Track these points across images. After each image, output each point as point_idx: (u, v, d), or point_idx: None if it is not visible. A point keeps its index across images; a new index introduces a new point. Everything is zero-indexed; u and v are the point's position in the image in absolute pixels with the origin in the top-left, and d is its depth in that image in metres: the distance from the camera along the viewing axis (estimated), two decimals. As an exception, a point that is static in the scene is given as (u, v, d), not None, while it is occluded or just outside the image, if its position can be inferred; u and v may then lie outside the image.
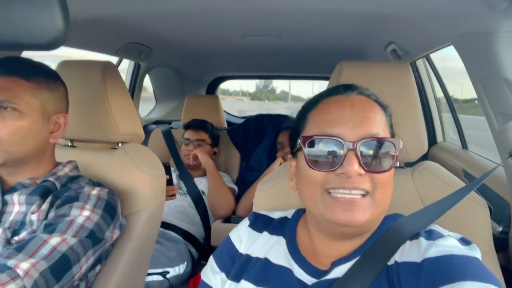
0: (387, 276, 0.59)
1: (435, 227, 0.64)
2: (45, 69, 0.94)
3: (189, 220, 1.88)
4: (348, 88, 0.67)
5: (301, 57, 2.29)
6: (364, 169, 0.58)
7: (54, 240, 0.80)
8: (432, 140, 2.09)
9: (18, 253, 0.76)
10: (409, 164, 0.95)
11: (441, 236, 0.59)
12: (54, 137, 0.94)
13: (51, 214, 0.87)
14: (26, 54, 1.18)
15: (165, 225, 1.76)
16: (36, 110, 0.88)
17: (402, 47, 1.53)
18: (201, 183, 2.03)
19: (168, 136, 2.38)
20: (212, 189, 1.95)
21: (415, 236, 0.61)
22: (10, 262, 0.74)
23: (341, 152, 0.59)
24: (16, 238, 0.85)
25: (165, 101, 3.15)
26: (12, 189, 0.91)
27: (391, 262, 0.60)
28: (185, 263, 1.67)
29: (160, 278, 1.53)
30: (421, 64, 2.03)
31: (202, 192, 2.00)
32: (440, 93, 2.06)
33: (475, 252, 0.56)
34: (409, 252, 0.59)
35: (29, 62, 0.92)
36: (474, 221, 0.83)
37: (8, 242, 0.85)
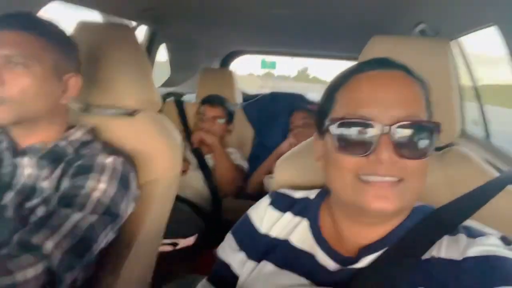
0: (422, 270, 0.55)
1: (472, 223, 0.59)
2: (57, 28, 0.90)
3: (199, 193, 1.87)
4: (382, 63, 0.60)
5: (324, 32, 2.20)
6: (399, 155, 0.54)
7: (75, 217, 0.77)
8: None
9: (40, 229, 0.74)
10: (437, 149, 0.90)
11: (481, 234, 0.56)
12: (66, 98, 0.91)
13: (65, 183, 0.84)
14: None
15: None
16: (47, 67, 0.85)
17: (433, 28, 1.45)
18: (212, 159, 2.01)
19: (181, 109, 2.34)
20: (219, 169, 1.93)
21: (453, 231, 0.57)
22: (35, 240, 0.72)
23: (373, 136, 0.54)
24: (28, 203, 0.83)
25: (178, 73, 3.10)
26: (23, 152, 0.88)
27: (426, 256, 0.56)
28: (196, 235, 1.67)
29: (170, 248, 1.53)
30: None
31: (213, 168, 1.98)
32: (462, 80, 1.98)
33: None
34: (448, 248, 0.55)
35: (41, 19, 0.88)
36: None
37: (19, 206, 0.83)
